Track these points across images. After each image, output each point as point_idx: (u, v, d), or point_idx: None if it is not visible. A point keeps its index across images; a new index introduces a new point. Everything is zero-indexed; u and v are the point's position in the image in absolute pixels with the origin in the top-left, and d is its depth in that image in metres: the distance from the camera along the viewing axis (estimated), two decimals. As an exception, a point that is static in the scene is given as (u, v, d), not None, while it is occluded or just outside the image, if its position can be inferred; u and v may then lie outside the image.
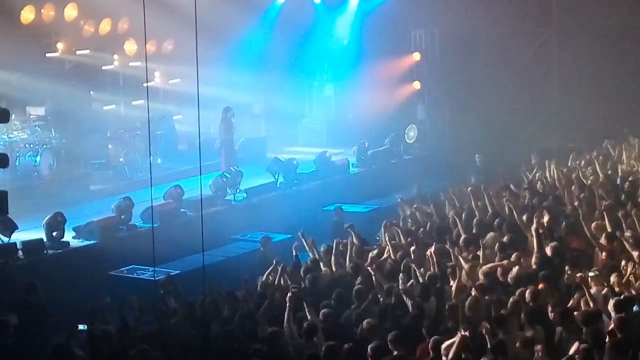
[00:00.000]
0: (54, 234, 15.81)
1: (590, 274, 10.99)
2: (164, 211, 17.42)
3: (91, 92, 22.17)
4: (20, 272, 14.58)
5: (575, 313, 10.02)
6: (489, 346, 9.29)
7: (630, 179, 16.98)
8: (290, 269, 12.83)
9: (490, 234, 13.58)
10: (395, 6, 24.79)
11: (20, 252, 15.21)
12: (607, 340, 9.14)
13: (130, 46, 22.47)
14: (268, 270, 12.66)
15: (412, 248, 12.52)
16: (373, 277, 11.76)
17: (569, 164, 19.31)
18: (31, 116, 20.37)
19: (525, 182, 17.69)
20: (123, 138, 21.41)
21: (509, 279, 11.60)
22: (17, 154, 18.96)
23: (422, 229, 14.65)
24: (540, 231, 12.81)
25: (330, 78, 26.66)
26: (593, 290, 10.59)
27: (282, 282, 12.32)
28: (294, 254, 13.80)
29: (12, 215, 14.12)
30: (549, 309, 10.09)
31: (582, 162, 19.10)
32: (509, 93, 24.86)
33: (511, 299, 10.52)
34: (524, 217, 14.01)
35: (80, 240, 16.32)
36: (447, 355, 9.00)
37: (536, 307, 10.34)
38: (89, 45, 21.79)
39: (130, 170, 20.87)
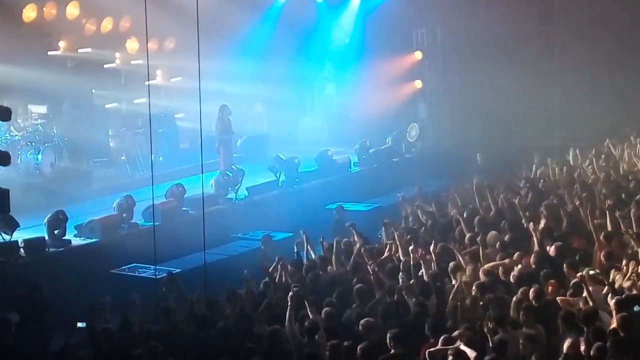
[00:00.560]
0: (56, 232, 15.82)
1: (591, 272, 10.98)
2: (165, 209, 17.43)
3: (93, 90, 22.17)
4: (21, 270, 14.59)
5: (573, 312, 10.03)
6: (490, 345, 9.31)
7: (631, 177, 16.98)
8: (291, 268, 12.85)
9: (492, 233, 13.59)
10: (397, 5, 24.78)
11: (21, 250, 15.20)
12: (609, 339, 9.14)
13: (132, 44, 22.49)
14: (270, 269, 12.66)
15: (411, 247, 12.52)
16: (374, 276, 11.76)
17: (571, 163, 19.31)
18: (33, 114, 20.39)
19: (526, 181, 17.68)
20: (125, 136, 21.44)
21: (510, 278, 11.61)
22: (19, 152, 18.99)
23: (423, 228, 14.66)
24: (541, 230, 12.83)
25: (332, 77, 26.65)
26: (592, 288, 10.60)
27: (283, 280, 12.34)
28: (296, 251, 13.83)
29: (14, 213, 14.19)
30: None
31: (584, 161, 19.10)
32: (510, 92, 24.84)
33: (514, 298, 10.53)
34: (525, 216, 14.04)
35: (81, 239, 16.32)
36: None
37: (539, 306, 10.34)
38: (91, 44, 21.80)
39: (132, 168, 20.90)
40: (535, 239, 12.76)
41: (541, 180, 17.68)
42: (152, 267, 13.36)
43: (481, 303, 10.53)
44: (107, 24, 21.86)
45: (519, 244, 12.92)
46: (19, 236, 15.40)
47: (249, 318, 10.87)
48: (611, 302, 10.05)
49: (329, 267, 12.97)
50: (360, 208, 19.95)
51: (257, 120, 25.62)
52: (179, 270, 14.78)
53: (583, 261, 11.89)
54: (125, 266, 15.61)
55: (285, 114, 25.51)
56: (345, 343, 9.54)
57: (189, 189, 18.13)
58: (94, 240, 16.29)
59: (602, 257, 11.86)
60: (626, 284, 10.83)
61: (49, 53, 21.06)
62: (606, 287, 10.54)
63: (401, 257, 12.84)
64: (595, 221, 13.32)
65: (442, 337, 9.51)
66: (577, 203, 14.46)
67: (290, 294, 10.61)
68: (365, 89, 25.33)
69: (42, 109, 20.52)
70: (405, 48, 26.15)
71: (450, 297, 10.88)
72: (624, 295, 10.34)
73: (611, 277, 11.01)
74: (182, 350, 10.27)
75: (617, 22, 24.07)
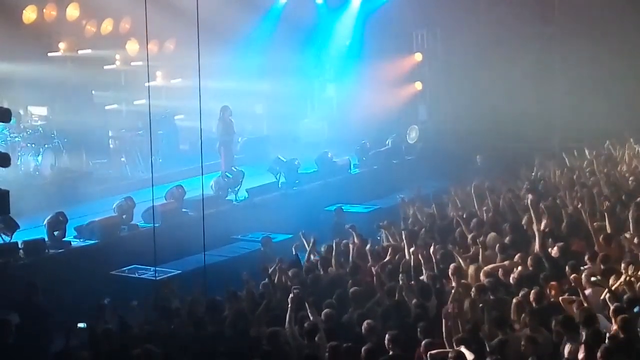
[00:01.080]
0: (56, 233, 15.81)
1: (592, 278, 10.97)
2: (165, 211, 17.42)
3: (93, 92, 22.19)
4: (21, 272, 14.58)
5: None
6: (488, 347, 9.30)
7: (631, 179, 16.98)
8: (291, 269, 12.84)
9: (492, 235, 13.59)
10: (397, 6, 24.81)
11: (21, 252, 15.18)
12: (609, 341, 9.13)
13: (132, 46, 22.51)
14: (270, 270, 12.66)
15: (412, 249, 12.53)
16: (374, 278, 11.76)
17: (571, 164, 19.31)
18: (33, 116, 20.41)
19: (526, 182, 17.68)
20: (125, 138, 21.45)
21: (510, 280, 11.61)
22: (19, 154, 18.99)
23: (423, 229, 14.65)
24: (541, 231, 12.83)
25: (332, 78, 26.68)
26: (588, 291, 10.61)
27: (282, 281, 12.34)
28: (294, 253, 13.82)
29: (14, 214, 14.17)
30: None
31: (584, 163, 19.10)
32: (510, 93, 24.83)
33: (514, 300, 10.53)
34: (525, 218, 14.03)
35: (81, 240, 16.31)
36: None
37: (540, 308, 10.34)
38: (91, 45, 21.82)
39: (132, 169, 20.90)
40: (537, 239, 12.76)
41: (541, 182, 17.68)
42: (152, 268, 13.36)
43: (480, 305, 10.52)
44: (107, 26, 21.88)
45: (519, 246, 12.92)
46: (19, 237, 15.39)
47: (248, 319, 10.86)
48: (610, 304, 10.04)
49: (329, 269, 12.97)
50: (360, 210, 19.93)
51: (257, 121, 25.63)
52: (179, 271, 14.80)
53: (584, 264, 11.88)
54: (125, 268, 15.58)
55: (285, 116, 25.51)
56: (345, 345, 9.53)
57: (189, 191, 18.13)
58: (94, 241, 16.27)
59: (601, 259, 11.85)
60: (626, 286, 10.81)
61: (49, 54, 21.07)
62: (605, 290, 10.53)
63: (401, 259, 12.83)
64: (595, 223, 13.32)
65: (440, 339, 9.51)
66: (577, 205, 14.46)
67: (291, 295, 10.60)
68: (366, 90, 25.35)
69: (42, 111, 20.52)
70: (405, 50, 26.18)
71: (450, 299, 10.87)
72: (624, 297, 10.34)
73: (611, 281, 11.00)
74: (181, 352, 10.27)
75: (617, 22, 24.06)
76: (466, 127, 25.04)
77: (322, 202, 19.92)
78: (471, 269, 12.13)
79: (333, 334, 10.07)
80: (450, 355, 9.00)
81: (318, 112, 26.71)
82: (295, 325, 10.37)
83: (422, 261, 12.07)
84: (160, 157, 21.66)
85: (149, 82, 17.03)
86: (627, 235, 12.74)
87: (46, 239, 15.67)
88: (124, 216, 16.96)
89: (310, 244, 13.69)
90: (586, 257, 12.05)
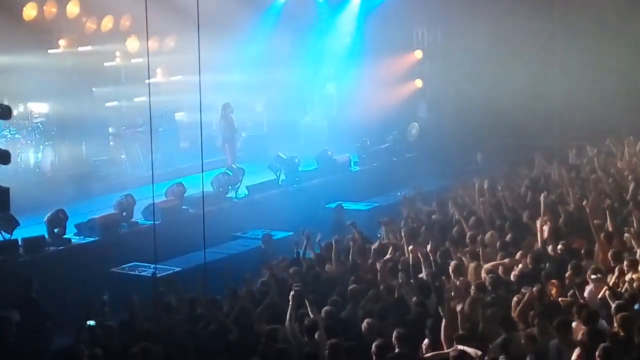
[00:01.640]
0: (56, 230, 15.81)
1: (592, 276, 10.96)
2: (165, 208, 17.42)
3: (93, 89, 22.17)
4: (21, 269, 14.57)
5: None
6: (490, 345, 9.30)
7: (631, 177, 16.96)
8: (291, 267, 12.84)
9: (491, 232, 13.58)
10: (397, 4, 24.78)
11: (21, 249, 15.19)
12: (610, 339, 9.12)
13: (132, 43, 22.48)
14: (270, 267, 12.66)
15: (411, 247, 12.51)
16: (381, 274, 11.77)
17: (571, 162, 19.29)
18: (33, 113, 20.38)
19: (527, 180, 17.66)
20: (125, 135, 21.42)
21: (511, 277, 11.61)
22: (19, 151, 18.99)
23: (423, 227, 14.65)
24: (542, 229, 12.82)
25: (332, 76, 26.64)
26: (588, 289, 10.60)
27: (283, 279, 12.33)
28: (295, 251, 13.82)
29: (14, 211, 14.19)
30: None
31: (585, 160, 19.09)
32: (511, 91, 24.81)
33: (514, 298, 10.52)
34: (526, 215, 14.02)
35: (81, 237, 16.33)
36: None
37: (544, 308, 10.32)
38: (91, 42, 21.79)
39: (132, 167, 20.89)
40: (539, 237, 12.75)
41: (541, 180, 17.67)
42: (152, 265, 13.37)
43: (480, 303, 10.52)
44: (107, 23, 21.86)
45: (519, 244, 12.91)
46: (19, 235, 15.39)
47: (248, 317, 10.85)
48: (611, 302, 10.04)
49: (327, 266, 12.97)
50: (360, 207, 19.93)
51: (258, 119, 25.62)
52: (179, 269, 14.80)
53: (586, 262, 11.87)
54: (125, 265, 15.60)
55: (286, 113, 25.49)
56: (345, 342, 9.53)
57: (189, 188, 18.14)
58: (94, 239, 16.29)
59: (601, 257, 11.85)
60: (626, 285, 10.80)
61: (50, 51, 21.04)
62: (605, 288, 10.53)
63: (401, 256, 12.83)
64: (595, 221, 13.31)
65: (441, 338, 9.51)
66: (577, 202, 14.44)
67: (292, 293, 10.59)
68: (366, 88, 25.32)
69: (42, 108, 20.50)
70: (405, 47, 26.15)
71: (450, 296, 10.87)
72: (624, 295, 10.33)
73: (611, 279, 10.99)
74: (181, 349, 10.27)
75: (617, 22, 24.05)
76: (466, 124, 25.02)
77: (322, 200, 19.93)
78: (471, 267, 12.14)
79: (333, 332, 10.06)
80: (451, 354, 8.99)
81: (318, 110, 26.70)
82: (295, 323, 10.36)
83: (421, 259, 12.07)
84: (161, 154, 21.64)
85: (149, 79, 17.03)
86: (629, 232, 12.71)
87: (46, 236, 15.68)
88: (124, 213, 16.97)
89: (305, 241, 13.70)
90: (586, 255, 12.06)
